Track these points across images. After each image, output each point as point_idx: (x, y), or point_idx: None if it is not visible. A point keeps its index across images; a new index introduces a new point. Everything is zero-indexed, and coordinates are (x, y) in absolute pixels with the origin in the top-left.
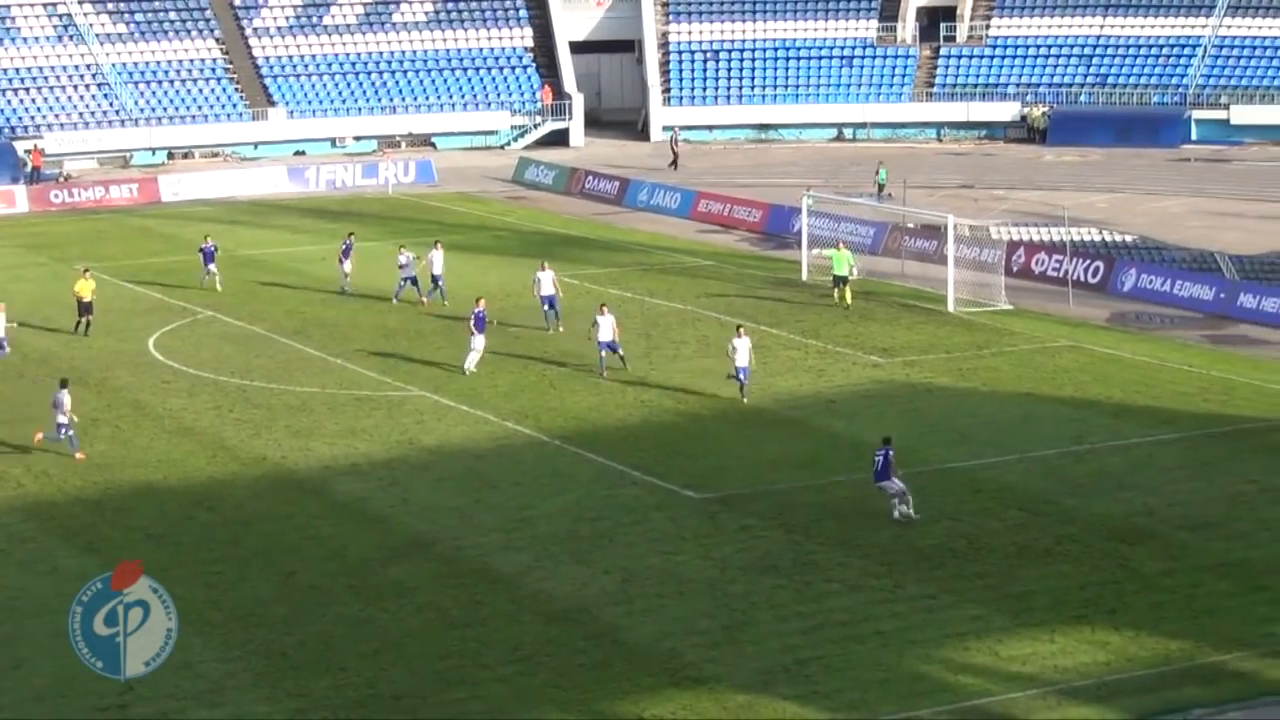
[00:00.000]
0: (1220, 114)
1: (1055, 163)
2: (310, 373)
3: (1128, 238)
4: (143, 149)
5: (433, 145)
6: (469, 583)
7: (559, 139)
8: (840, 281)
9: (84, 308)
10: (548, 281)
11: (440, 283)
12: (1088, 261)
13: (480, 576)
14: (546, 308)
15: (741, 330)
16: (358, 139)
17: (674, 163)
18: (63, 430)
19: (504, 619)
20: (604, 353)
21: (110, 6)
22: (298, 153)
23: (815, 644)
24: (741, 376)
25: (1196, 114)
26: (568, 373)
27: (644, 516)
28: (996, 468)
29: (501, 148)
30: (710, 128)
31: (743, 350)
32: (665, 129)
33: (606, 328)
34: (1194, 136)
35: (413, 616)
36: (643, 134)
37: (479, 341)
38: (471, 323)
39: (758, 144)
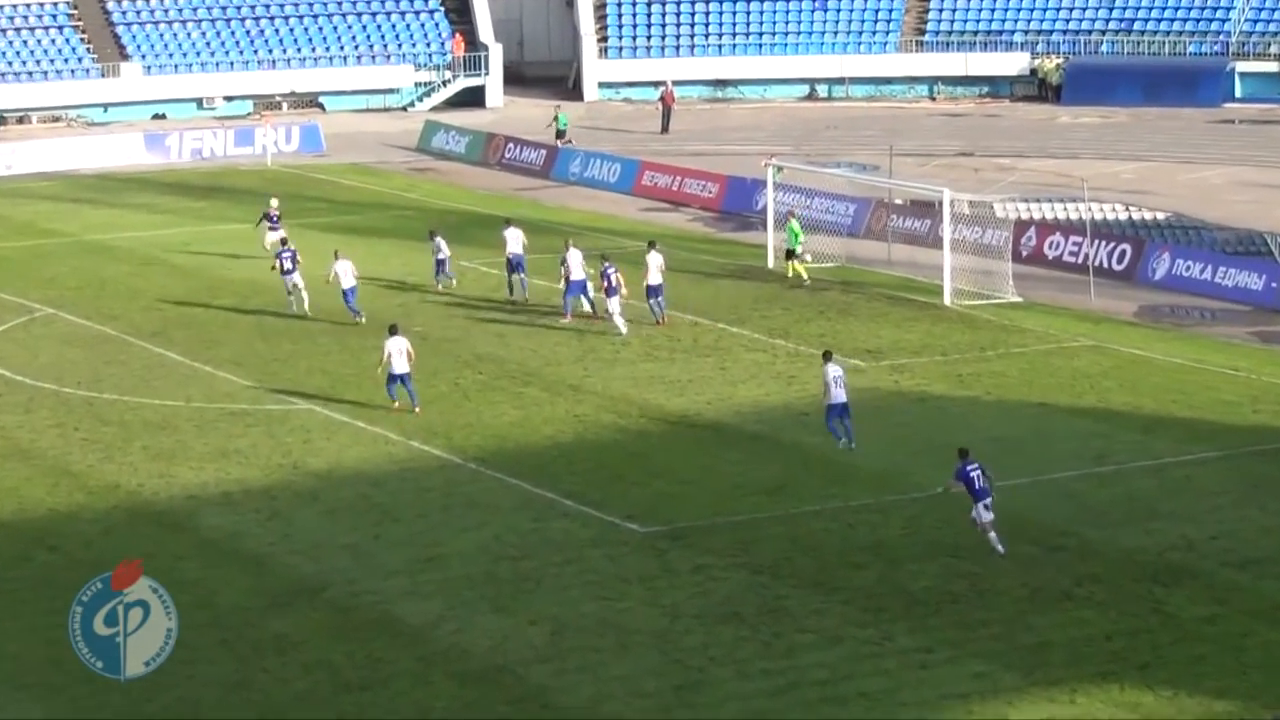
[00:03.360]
0: (1269, 66)
1: (1072, 125)
2: (173, 382)
3: (1159, 215)
4: None
5: (320, 107)
6: (366, 636)
7: (473, 99)
8: (791, 255)
9: None
10: (655, 269)
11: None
12: (1112, 244)
13: (380, 628)
14: (652, 300)
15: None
16: (229, 99)
17: (665, 125)
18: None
19: (409, 680)
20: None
21: None
22: (156, 116)
23: (786, 707)
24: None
25: (1240, 66)
26: (485, 381)
27: (578, 555)
28: (1004, 493)
29: (404, 109)
30: (655, 84)
31: None
32: (657, 84)
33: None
34: (1238, 93)
35: (298, 678)
36: (574, 92)
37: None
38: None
39: (713, 104)
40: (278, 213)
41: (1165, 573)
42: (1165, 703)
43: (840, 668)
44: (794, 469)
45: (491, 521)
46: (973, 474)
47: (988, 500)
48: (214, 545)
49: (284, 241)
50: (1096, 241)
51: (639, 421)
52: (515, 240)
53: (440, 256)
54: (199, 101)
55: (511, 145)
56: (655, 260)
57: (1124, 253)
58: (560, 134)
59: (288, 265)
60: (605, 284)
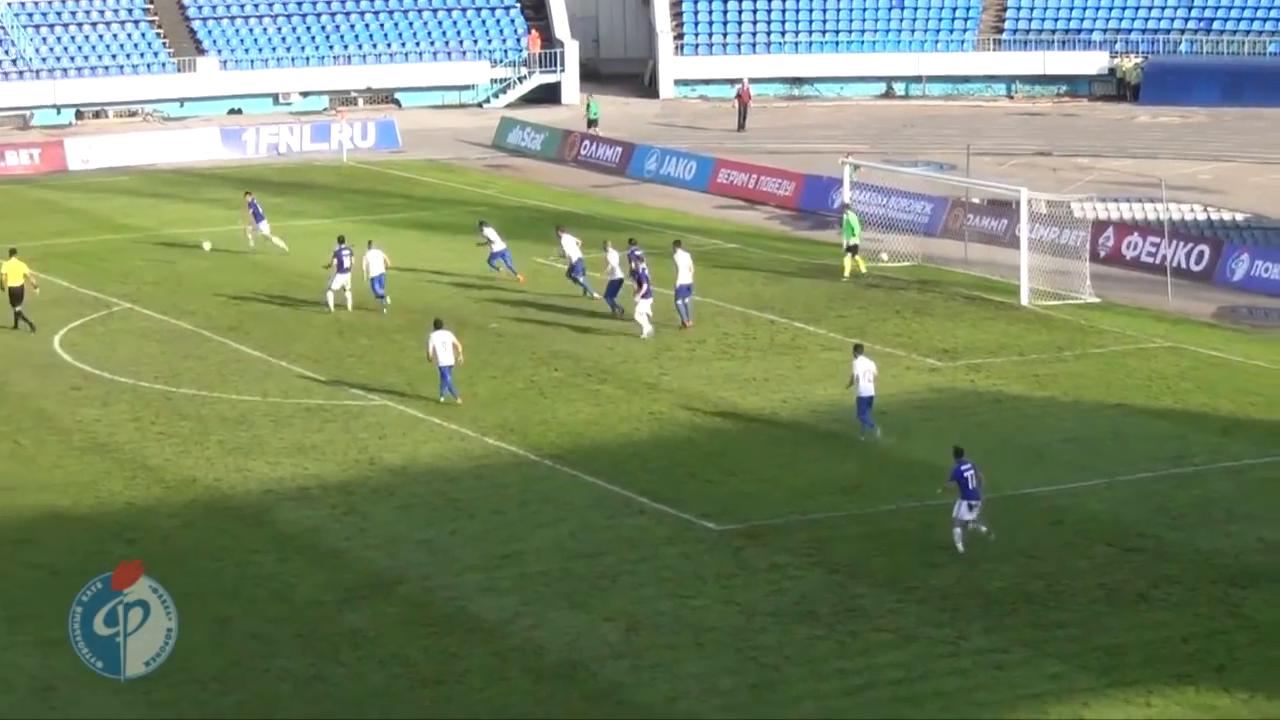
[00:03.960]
0: None
1: (1150, 125)
2: (249, 377)
3: (1239, 216)
4: (46, 107)
5: (396, 103)
6: (442, 631)
7: (549, 95)
8: (853, 250)
9: (14, 295)
10: (684, 268)
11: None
12: (1190, 245)
13: (456, 624)
14: (680, 301)
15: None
16: (305, 95)
17: (741, 123)
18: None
19: (485, 675)
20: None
21: None
22: (233, 111)
23: (861, 706)
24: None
25: None
26: (561, 378)
27: (653, 552)
28: (1080, 494)
29: (479, 106)
30: (731, 82)
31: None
32: (733, 82)
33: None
34: None
35: (374, 672)
36: (650, 90)
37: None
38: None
39: (790, 102)
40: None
41: (1242, 575)
42: (1242, 705)
43: (915, 667)
44: (870, 468)
45: (567, 518)
46: (966, 474)
47: (974, 502)
48: (291, 540)
49: (341, 240)
50: (1174, 242)
51: (714, 420)
52: (573, 245)
53: (496, 249)
54: (275, 97)
55: (587, 142)
56: (684, 260)
57: (1202, 253)
58: (592, 123)
59: (346, 264)
60: (639, 285)
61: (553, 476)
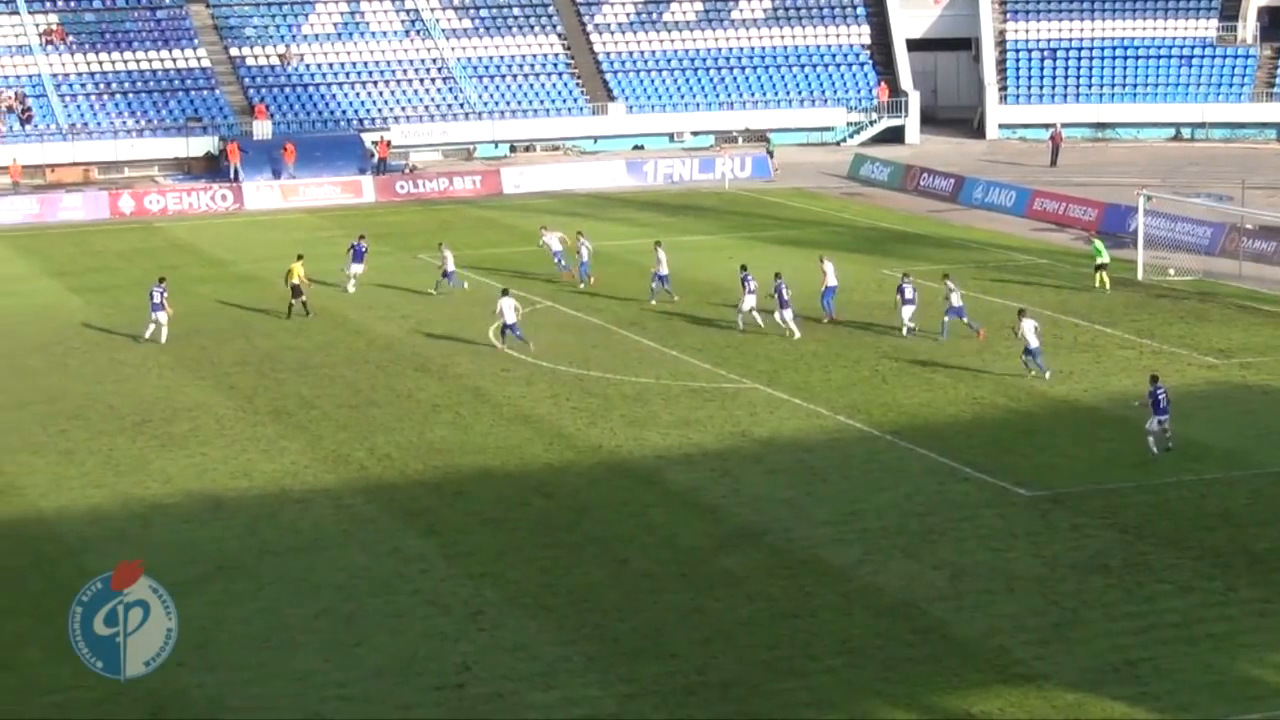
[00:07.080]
0: None
1: None
2: (646, 363)
3: None
4: (486, 142)
5: (768, 141)
6: (799, 574)
7: (894, 136)
8: (1101, 268)
9: (295, 290)
10: (831, 274)
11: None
12: None
13: (810, 568)
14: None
15: (1024, 313)
16: (695, 134)
17: (1054, 160)
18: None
19: (833, 611)
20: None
21: (456, 2)
22: (636, 147)
23: (1145, 645)
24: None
25: None
26: (900, 368)
27: (974, 513)
28: None
29: (837, 144)
30: (1046, 126)
31: (1030, 333)
32: (1047, 126)
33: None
34: None
35: (743, 606)
36: (978, 132)
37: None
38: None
39: (1094, 143)
40: (364, 245)
41: None
42: None
43: (1191, 613)
44: None
45: (903, 484)
46: (1159, 395)
47: (1163, 417)
48: (677, 496)
49: (361, 236)
50: None
51: (1027, 404)
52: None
53: (661, 272)
54: (670, 135)
55: (926, 175)
56: (829, 266)
57: None
58: (770, 153)
59: (361, 253)
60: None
61: (892, 449)
